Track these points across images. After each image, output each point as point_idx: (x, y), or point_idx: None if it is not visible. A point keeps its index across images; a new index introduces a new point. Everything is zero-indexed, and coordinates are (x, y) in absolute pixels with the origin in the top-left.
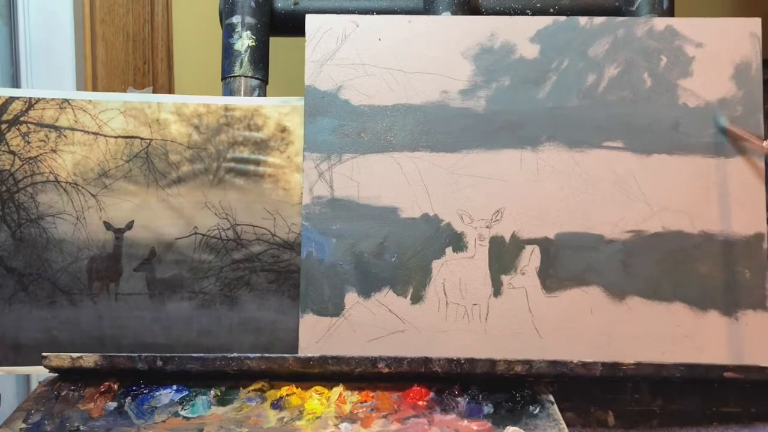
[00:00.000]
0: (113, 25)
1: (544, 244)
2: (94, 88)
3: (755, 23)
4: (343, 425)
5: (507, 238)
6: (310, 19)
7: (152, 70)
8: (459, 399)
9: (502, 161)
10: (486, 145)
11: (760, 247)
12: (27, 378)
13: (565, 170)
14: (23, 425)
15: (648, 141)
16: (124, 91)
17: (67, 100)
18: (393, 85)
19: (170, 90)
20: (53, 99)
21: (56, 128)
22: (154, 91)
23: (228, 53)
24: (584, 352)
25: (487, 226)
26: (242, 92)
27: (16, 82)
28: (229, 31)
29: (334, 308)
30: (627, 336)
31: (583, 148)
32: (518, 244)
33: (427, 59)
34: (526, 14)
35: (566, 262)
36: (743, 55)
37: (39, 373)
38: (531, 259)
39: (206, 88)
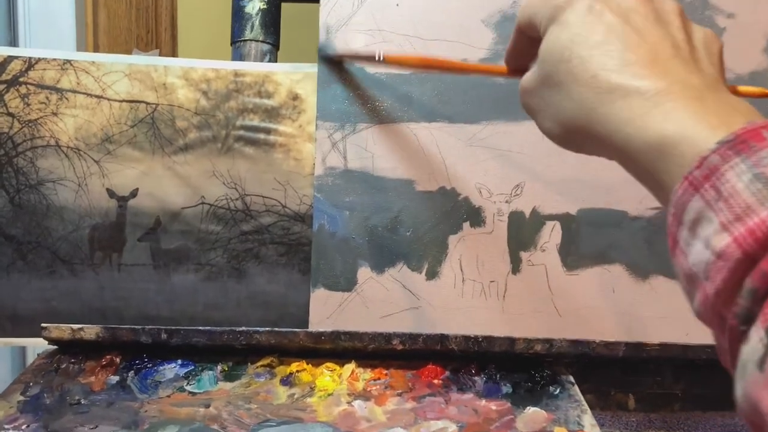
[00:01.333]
0: None
1: (565, 220)
2: None
3: None
4: (357, 402)
5: (527, 213)
6: None
7: (155, 39)
8: (476, 378)
9: (523, 133)
10: (506, 116)
11: None
12: (23, 351)
13: None
14: (21, 397)
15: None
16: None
17: (69, 61)
18: (410, 52)
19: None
20: (54, 59)
21: (57, 90)
22: None
23: (238, 16)
24: (605, 332)
25: (507, 201)
26: (252, 57)
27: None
28: None
29: (347, 283)
30: (650, 316)
31: None
32: (538, 219)
33: (446, 26)
34: None
35: (588, 239)
36: None
37: (37, 346)
38: (551, 235)
39: (212, 58)
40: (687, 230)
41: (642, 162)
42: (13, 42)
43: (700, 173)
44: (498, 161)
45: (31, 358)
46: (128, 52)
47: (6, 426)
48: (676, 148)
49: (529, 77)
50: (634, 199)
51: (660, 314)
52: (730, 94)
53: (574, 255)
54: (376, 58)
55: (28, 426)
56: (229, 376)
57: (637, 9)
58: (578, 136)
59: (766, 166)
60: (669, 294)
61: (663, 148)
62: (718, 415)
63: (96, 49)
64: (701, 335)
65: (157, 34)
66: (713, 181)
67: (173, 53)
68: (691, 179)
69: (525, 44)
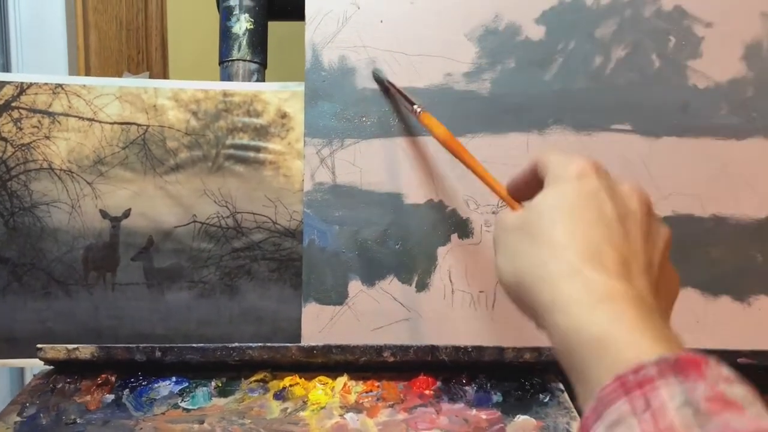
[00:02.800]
0: (106, 14)
1: None
2: None
3: (766, 2)
4: (349, 415)
5: None
6: (310, 1)
7: (146, 59)
8: (467, 388)
9: (508, 145)
10: (491, 128)
11: None
12: (21, 372)
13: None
14: (18, 418)
15: (657, 123)
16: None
17: (60, 85)
18: (395, 68)
19: (165, 78)
20: (46, 84)
21: (50, 114)
22: None
23: (226, 36)
24: None
25: (494, 212)
26: (241, 76)
27: (6, 71)
28: (226, 13)
29: (338, 297)
30: None
31: (590, 131)
32: None
33: (430, 41)
34: None
35: None
36: (754, 35)
37: (34, 366)
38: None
39: (202, 77)
40: (604, 427)
41: (574, 344)
42: (6, 65)
43: (634, 379)
44: None
45: (28, 378)
46: (119, 73)
47: None
48: (615, 346)
49: (512, 216)
50: None
51: None
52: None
53: None
54: (414, 109)
55: None
56: (222, 392)
57: (636, 217)
58: (523, 289)
59: (698, 398)
60: None
61: (602, 341)
62: None
63: (87, 71)
64: (689, 340)
65: (148, 54)
66: (646, 390)
67: (164, 73)
68: (624, 381)
69: (530, 182)
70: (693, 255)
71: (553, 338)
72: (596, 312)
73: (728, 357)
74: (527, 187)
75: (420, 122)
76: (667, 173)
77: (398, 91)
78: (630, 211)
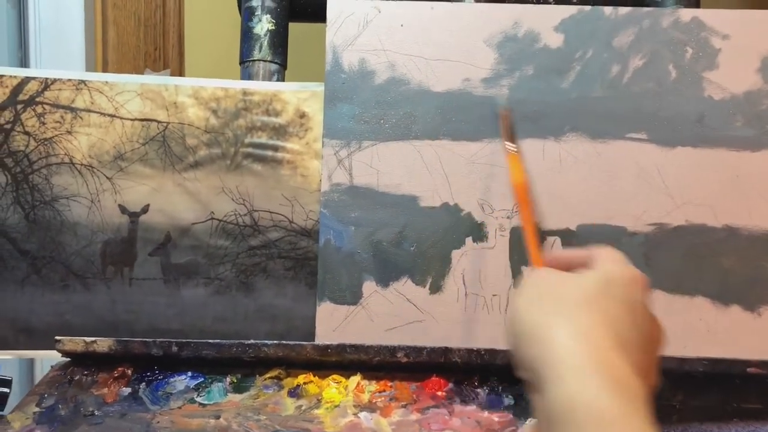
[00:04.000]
0: (125, 10)
1: (565, 235)
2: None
3: None
4: (363, 414)
5: None
6: (331, 3)
7: (163, 56)
8: (478, 390)
9: (523, 151)
10: None
11: None
12: (31, 364)
13: (587, 161)
14: (37, 409)
15: (672, 133)
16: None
17: (83, 81)
18: (414, 72)
19: (181, 76)
20: (69, 80)
21: (72, 109)
22: None
23: (247, 37)
24: None
25: (508, 217)
26: (261, 77)
27: (25, 66)
28: (248, 14)
29: (352, 297)
30: None
31: (606, 139)
32: (539, 235)
33: (450, 46)
34: (549, 3)
35: None
36: None
37: (50, 358)
38: (552, 250)
39: (218, 75)
40: None
41: (557, 401)
42: (24, 59)
43: None
44: (500, 178)
45: (39, 370)
46: (137, 68)
47: None
48: (589, 424)
49: (556, 274)
50: (633, 215)
51: None
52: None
53: None
54: (511, 147)
55: None
56: (237, 388)
57: (641, 308)
58: (525, 335)
59: None
60: (667, 308)
61: (577, 414)
62: (715, 426)
63: (105, 66)
64: (699, 348)
65: (165, 51)
66: None
67: (180, 71)
68: None
69: (572, 265)
70: (705, 264)
71: (540, 389)
72: (588, 381)
73: (738, 366)
74: (566, 267)
75: (507, 159)
76: (681, 183)
77: (506, 124)
78: (635, 301)
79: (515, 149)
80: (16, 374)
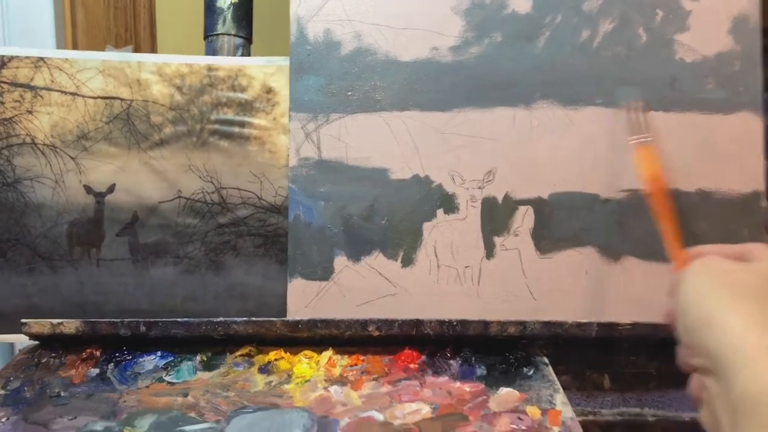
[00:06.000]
0: None
1: (537, 204)
2: None
3: None
4: (333, 388)
5: (500, 198)
6: None
7: (134, 37)
8: (451, 361)
9: (494, 120)
10: (478, 103)
11: (757, 205)
12: (11, 348)
13: (559, 128)
14: (2, 391)
15: (644, 97)
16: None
17: (42, 59)
18: (381, 42)
19: None
20: (27, 57)
21: (31, 88)
22: None
23: (210, 11)
24: (579, 314)
25: (479, 187)
26: (225, 51)
27: None
28: None
29: (323, 272)
30: (623, 297)
31: (577, 105)
32: (511, 204)
33: (417, 15)
34: None
35: (560, 222)
36: (741, 8)
37: (21, 342)
38: (524, 220)
39: (189, 54)
40: None
41: (744, 388)
42: None
43: None
44: (470, 148)
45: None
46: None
47: None
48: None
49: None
50: (605, 182)
51: (632, 295)
52: None
53: (546, 239)
54: (643, 138)
55: (8, 419)
56: (207, 366)
57: None
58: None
59: None
60: (641, 274)
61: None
62: None
63: (75, 47)
64: None
65: (136, 32)
66: None
67: (152, 51)
68: None
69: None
70: (678, 229)
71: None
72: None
73: None
74: None
75: (636, 153)
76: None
77: (639, 117)
78: None
79: (649, 139)
80: None
